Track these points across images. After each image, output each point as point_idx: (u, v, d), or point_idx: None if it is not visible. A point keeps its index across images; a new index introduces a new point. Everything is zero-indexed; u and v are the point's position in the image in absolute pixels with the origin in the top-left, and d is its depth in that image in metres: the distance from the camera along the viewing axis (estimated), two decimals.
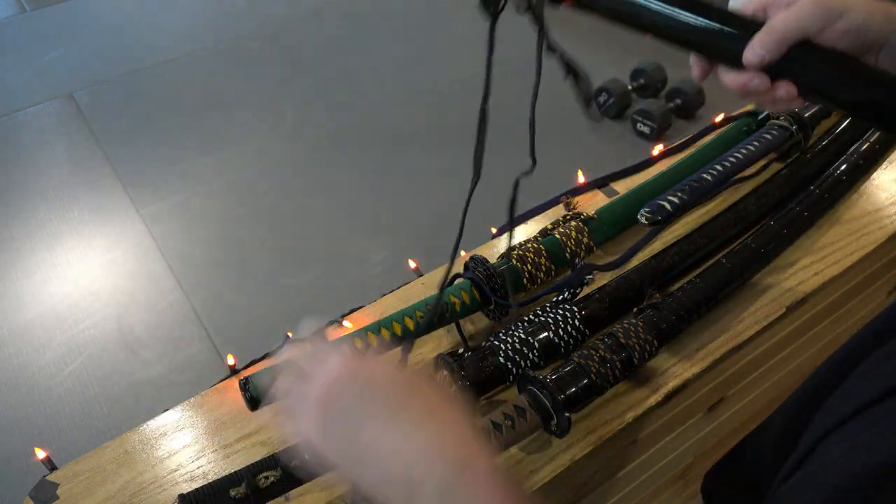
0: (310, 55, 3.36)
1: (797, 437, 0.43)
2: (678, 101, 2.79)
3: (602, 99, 2.86)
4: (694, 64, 0.55)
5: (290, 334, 0.85)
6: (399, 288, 0.91)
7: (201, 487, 0.63)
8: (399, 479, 0.43)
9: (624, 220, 0.93)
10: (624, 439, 0.75)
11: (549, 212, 0.99)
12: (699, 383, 0.79)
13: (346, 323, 0.85)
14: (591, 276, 0.81)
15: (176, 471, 0.72)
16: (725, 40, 0.52)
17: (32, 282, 2.30)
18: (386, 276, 2.21)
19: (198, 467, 0.72)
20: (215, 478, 0.65)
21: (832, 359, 0.55)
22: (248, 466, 0.64)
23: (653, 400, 0.74)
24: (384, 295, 0.90)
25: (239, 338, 2.07)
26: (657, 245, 0.92)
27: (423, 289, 0.89)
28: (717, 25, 0.52)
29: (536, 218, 0.99)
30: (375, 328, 0.74)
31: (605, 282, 0.83)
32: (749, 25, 0.51)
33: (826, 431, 0.40)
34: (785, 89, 0.50)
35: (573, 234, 0.88)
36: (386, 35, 3.49)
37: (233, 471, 0.65)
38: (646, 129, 2.73)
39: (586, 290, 0.81)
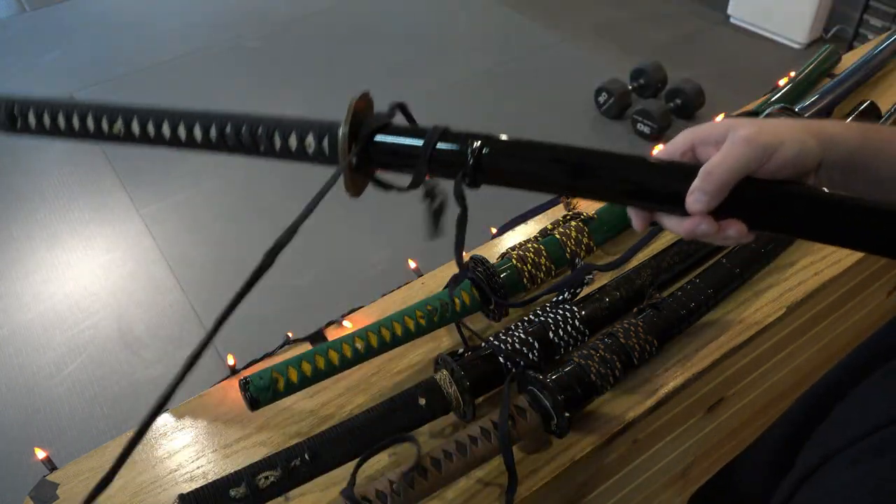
0: (310, 55, 3.36)
1: (791, 458, 0.43)
2: (678, 101, 2.79)
3: (602, 99, 2.86)
4: (633, 215, 0.53)
5: (290, 334, 0.85)
6: (399, 288, 0.91)
7: (201, 487, 0.63)
8: None
9: (624, 220, 0.93)
10: (624, 439, 0.75)
11: (549, 212, 0.99)
12: (699, 383, 0.79)
13: (346, 323, 0.85)
14: (591, 276, 0.81)
15: (176, 471, 0.72)
16: (664, 190, 0.50)
17: (32, 282, 2.30)
18: (386, 276, 2.21)
19: (198, 467, 0.72)
20: (215, 478, 0.65)
21: (823, 382, 0.55)
22: (248, 466, 0.64)
23: (653, 400, 0.74)
24: (384, 295, 0.90)
25: (239, 338, 2.07)
26: (657, 245, 0.92)
27: (423, 289, 0.89)
28: (654, 177, 0.51)
29: (536, 218, 0.99)
30: (375, 328, 0.74)
31: (605, 282, 0.83)
32: (683, 171, 0.49)
33: (825, 457, 0.39)
34: (734, 228, 0.48)
35: (573, 234, 0.88)
36: (386, 35, 3.49)
37: (233, 471, 0.65)
38: (646, 129, 2.73)
39: (586, 290, 0.81)
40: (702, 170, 0.47)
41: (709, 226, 0.48)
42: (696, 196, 0.47)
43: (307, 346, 0.83)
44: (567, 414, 0.67)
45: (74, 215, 2.55)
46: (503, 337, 0.74)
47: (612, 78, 2.85)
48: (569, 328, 0.75)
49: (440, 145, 0.51)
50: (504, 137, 0.52)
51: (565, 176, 0.51)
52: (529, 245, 0.85)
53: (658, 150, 0.52)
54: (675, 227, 0.51)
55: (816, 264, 0.88)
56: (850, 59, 1.22)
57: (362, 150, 0.52)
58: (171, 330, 2.12)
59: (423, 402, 0.68)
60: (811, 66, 1.19)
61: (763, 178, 0.48)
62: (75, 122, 0.55)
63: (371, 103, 0.53)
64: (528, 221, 0.98)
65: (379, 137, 0.52)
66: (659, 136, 2.70)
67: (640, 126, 2.74)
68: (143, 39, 3.52)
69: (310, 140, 0.53)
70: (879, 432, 0.37)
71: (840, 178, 0.50)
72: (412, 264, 0.98)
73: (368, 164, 0.53)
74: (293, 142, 0.53)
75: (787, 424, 0.57)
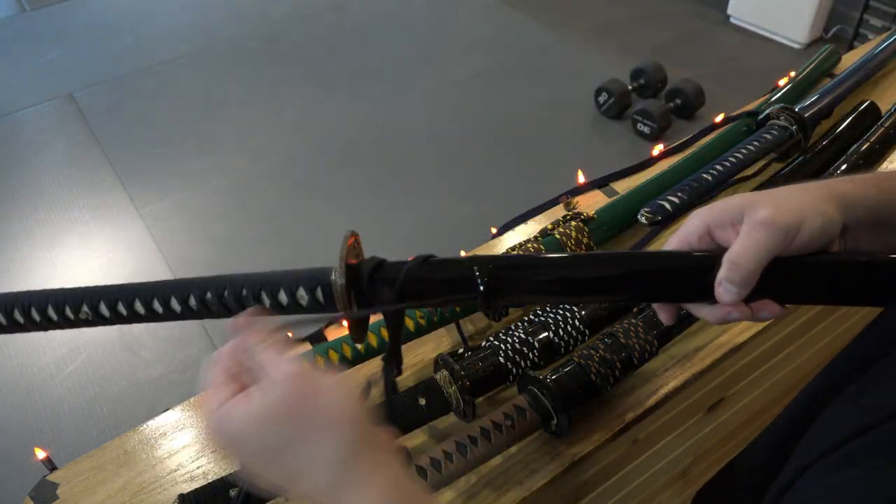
0: (310, 55, 3.36)
1: (781, 463, 0.43)
2: (678, 101, 2.80)
3: (602, 99, 2.86)
4: (659, 310, 0.52)
5: (290, 334, 0.85)
6: None
7: (201, 487, 0.63)
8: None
9: (624, 220, 0.93)
10: (624, 439, 0.75)
11: (549, 212, 0.99)
12: (699, 383, 0.79)
13: (346, 323, 0.85)
14: None
15: (176, 471, 0.72)
16: (690, 285, 0.49)
17: (32, 282, 2.30)
18: None
19: (198, 467, 0.72)
20: (215, 478, 0.65)
21: (810, 386, 0.55)
22: None
23: (653, 400, 0.74)
24: None
25: None
26: (657, 245, 0.92)
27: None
28: (677, 272, 0.49)
29: (536, 218, 0.99)
30: (375, 328, 0.74)
31: None
32: (706, 261, 0.48)
33: (804, 466, 0.39)
34: (767, 310, 0.48)
35: (573, 234, 0.88)
36: (386, 35, 3.49)
37: (233, 471, 0.65)
38: (646, 129, 2.74)
39: None
40: (726, 260, 0.46)
41: (741, 312, 0.47)
42: (726, 287, 0.46)
43: (307, 346, 0.83)
44: (567, 414, 0.67)
45: (74, 215, 2.55)
46: (503, 337, 0.74)
47: (612, 78, 2.85)
48: (569, 328, 0.75)
49: (450, 274, 0.50)
50: (511, 257, 0.51)
51: (588, 286, 0.51)
52: (529, 245, 0.85)
53: (671, 235, 0.52)
54: (707, 317, 0.49)
55: None
56: (850, 59, 1.22)
57: (362, 295, 0.51)
58: (171, 330, 2.12)
59: (423, 402, 0.68)
60: (811, 66, 1.19)
61: (790, 257, 0.47)
62: (35, 315, 0.51)
63: (358, 241, 0.52)
64: (528, 221, 0.98)
65: (378, 276, 0.51)
66: (659, 136, 2.70)
67: (640, 126, 2.74)
68: (143, 39, 3.52)
69: (301, 293, 0.50)
70: (845, 445, 0.37)
71: (866, 236, 0.49)
72: None
73: (373, 305, 0.52)
74: (283, 297, 0.50)
75: (779, 428, 0.57)
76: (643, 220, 0.88)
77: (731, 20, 3.49)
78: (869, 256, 0.47)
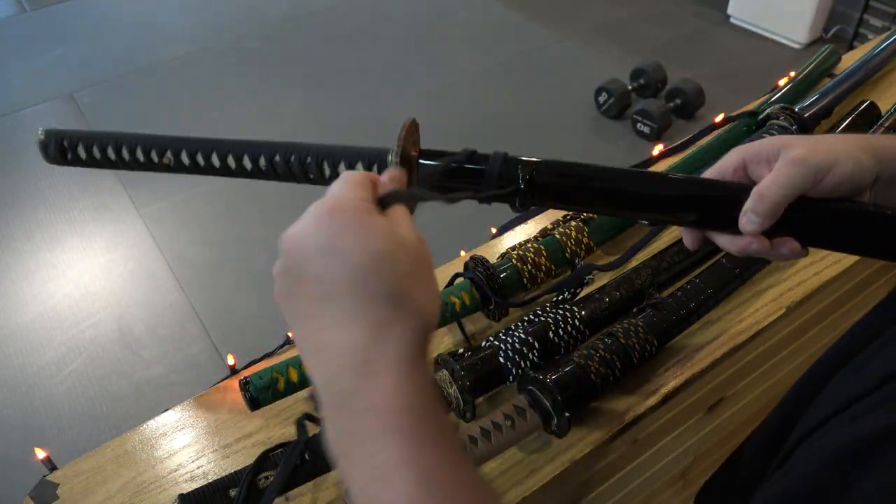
0: (310, 55, 3.36)
1: (779, 448, 0.44)
2: (678, 101, 2.80)
3: (602, 99, 2.86)
4: (685, 234, 0.54)
5: (290, 334, 0.85)
6: None
7: (201, 487, 0.63)
8: (315, 362, 0.39)
9: (624, 221, 0.93)
10: (624, 439, 0.75)
11: (550, 212, 0.99)
12: (699, 383, 0.79)
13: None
14: (591, 276, 0.81)
15: (176, 471, 0.72)
16: (717, 212, 0.51)
17: (32, 282, 2.30)
18: None
19: (198, 467, 0.72)
20: (215, 478, 0.65)
21: (811, 371, 0.55)
22: (248, 466, 0.64)
23: (653, 400, 0.74)
24: None
25: (239, 338, 2.07)
26: (657, 245, 0.92)
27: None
28: (706, 198, 0.51)
29: (536, 218, 0.99)
30: None
31: (605, 282, 0.83)
32: (736, 192, 0.49)
33: (802, 437, 0.40)
34: (787, 247, 0.49)
35: (573, 234, 0.88)
36: (386, 35, 3.49)
37: (233, 471, 0.65)
38: (646, 129, 2.74)
39: (586, 290, 0.81)
40: (754, 191, 0.48)
41: (761, 245, 0.49)
42: (749, 217, 0.48)
43: None
44: (567, 414, 0.67)
45: (74, 215, 2.55)
46: (503, 337, 0.74)
47: (612, 78, 2.85)
48: (569, 328, 0.75)
49: (491, 170, 0.52)
50: (556, 161, 0.52)
51: (617, 199, 0.52)
52: (529, 245, 0.85)
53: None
54: (727, 245, 0.51)
55: (816, 264, 0.88)
56: (850, 59, 1.22)
57: (411, 178, 0.52)
58: (171, 330, 2.12)
59: None
60: (811, 66, 1.19)
61: (817, 198, 0.48)
62: (125, 154, 0.57)
63: (417, 127, 0.54)
64: (528, 221, 0.98)
65: (428, 163, 0.53)
66: (659, 136, 2.70)
67: (640, 126, 2.74)
68: (143, 39, 3.52)
69: (359, 168, 0.54)
70: (847, 409, 0.38)
71: None
72: None
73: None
74: (343, 170, 0.54)
75: (780, 411, 0.57)
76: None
77: (731, 20, 3.49)
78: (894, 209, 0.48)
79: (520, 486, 0.68)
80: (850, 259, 0.88)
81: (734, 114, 1.09)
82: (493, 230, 1.00)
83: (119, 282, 2.28)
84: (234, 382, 0.77)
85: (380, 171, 0.51)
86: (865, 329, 0.50)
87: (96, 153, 0.57)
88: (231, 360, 0.85)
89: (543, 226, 0.91)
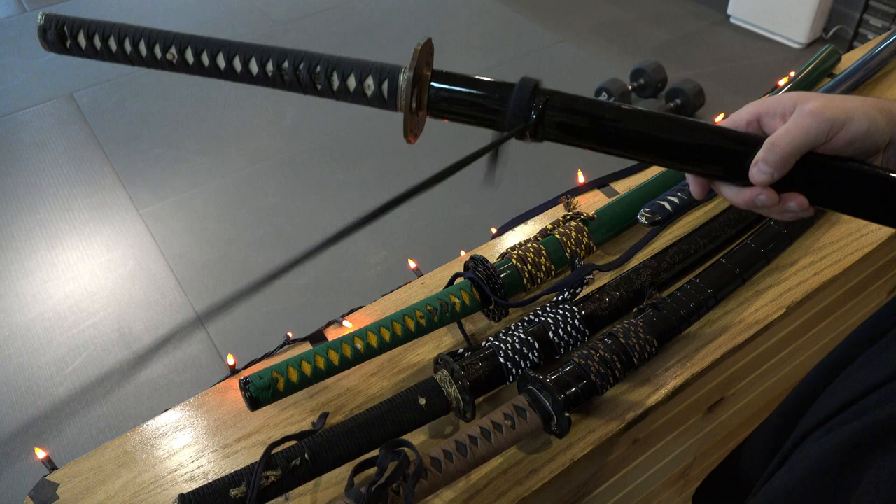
0: None
1: (782, 445, 0.44)
2: (678, 101, 2.80)
3: (602, 99, 2.86)
4: (691, 182, 0.53)
5: (290, 334, 0.85)
6: (399, 288, 0.91)
7: (201, 487, 0.63)
8: None
9: (624, 220, 0.93)
10: (624, 439, 0.75)
11: (549, 212, 0.99)
12: (699, 383, 0.79)
13: (346, 323, 0.85)
14: (591, 276, 0.81)
15: (176, 471, 0.72)
16: (727, 159, 0.50)
17: (32, 282, 2.30)
18: (386, 276, 2.21)
19: (198, 467, 0.72)
20: (215, 478, 0.65)
21: (815, 370, 0.55)
22: (247, 466, 0.64)
23: (653, 400, 0.74)
24: (384, 295, 0.90)
25: (239, 338, 2.07)
26: (657, 245, 0.92)
27: (423, 289, 0.89)
28: (717, 145, 0.50)
29: (536, 218, 0.99)
30: (375, 328, 0.74)
31: (605, 282, 0.83)
32: (748, 141, 0.49)
33: (806, 433, 0.40)
34: (795, 202, 0.48)
35: (573, 234, 0.88)
36: (386, 35, 3.49)
37: (233, 471, 0.65)
38: None
39: (586, 290, 0.81)
40: (767, 141, 0.47)
41: (769, 197, 0.48)
42: (760, 167, 0.47)
43: (307, 346, 0.83)
44: (567, 414, 0.67)
45: (74, 215, 2.55)
46: (503, 337, 0.74)
47: (612, 78, 2.85)
48: (569, 328, 0.75)
49: (505, 97, 0.51)
50: (571, 95, 0.51)
51: (628, 138, 0.51)
52: (529, 245, 0.85)
53: (721, 118, 0.52)
54: (734, 197, 0.50)
55: (816, 264, 0.88)
56: (850, 59, 1.22)
57: (422, 96, 0.52)
58: (172, 330, 2.12)
59: (423, 402, 0.68)
60: (811, 66, 1.19)
61: (828, 154, 0.47)
62: (127, 46, 0.54)
63: (432, 49, 0.54)
64: (528, 221, 0.98)
65: (440, 84, 0.53)
66: None
67: None
68: None
69: (369, 82, 0.52)
70: (851, 406, 0.38)
71: None
72: (412, 264, 0.98)
73: (429, 111, 0.54)
74: (352, 83, 0.52)
75: (784, 409, 0.57)
76: (643, 220, 0.88)
77: (731, 20, 3.49)
78: None
79: (520, 486, 0.68)
80: (850, 259, 0.88)
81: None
82: (493, 230, 1.00)
83: (119, 281, 2.28)
84: (234, 382, 0.77)
85: (390, 88, 0.51)
86: (867, 332, 0.50)
87: (97, 42, 0.54)
88: (231, 360, 0.85)
89: (543, 226, 0.91)
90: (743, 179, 0.49)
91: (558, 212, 0.98)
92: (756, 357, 0.90)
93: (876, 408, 0.36)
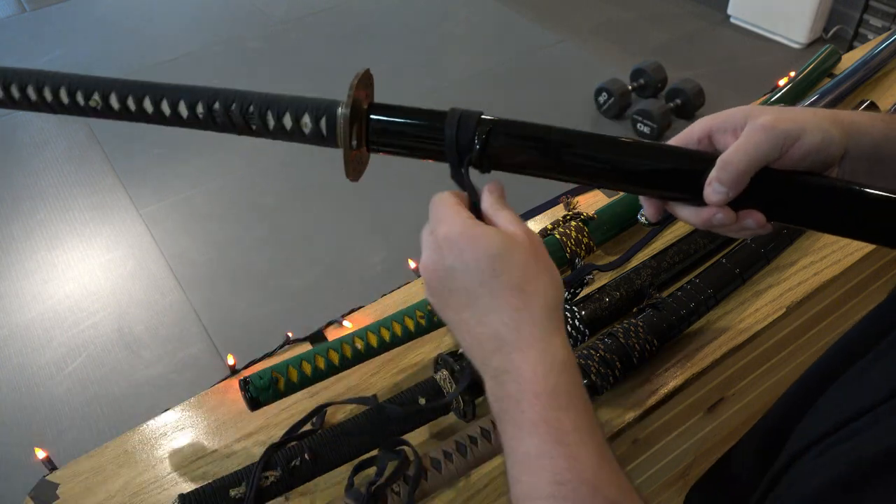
0: (310, 55, 3.36)
1: (774, 454, 0.43)
2: (678, 101, 2.80)
3: (602, 99, 2.86)
4: (645, 204, 0.51)
5: (290, 334, 0.85)
6: (399, 288, 0.91)
7: (201, 487, 0.63)
8: (473, 351, 0.45)
9: (624, 220, 0.93)
10: (624, 439, 0.75)
11: (549, 212, 0.99)
12: (699, 383, 0.79)
13: (346, 323, 0.85)
14: (591, 276, 0.81)
15: (176, 471, 0.72)
16: (680, 181, 0.48)
17: (32, 282, 2.30)
18: (386, 276, 2.21)
19: (198, 467, 0.72)
20: (215, 478, 0.65)
21: (808, 374, 0.55)
22: (247, 466, 0.64)
23: (653, 400, 0.74)
24: (384, 295, 0.90)
25: (239, 338, 2.07)
26: (657, 245, 0.92)
27: (423, 289, 0.89)
28: (669, 166, 0.48)
29: (536, 218, 0.99)
30: (375, 328, 0.74)
31: (605, 282, 0.83)
32: (701, 160, 0.47)
33: (801, 450, 0.40)
34: (753, 219, 0.47)
35: (573, 234, 0.88)
36: (386, 35, 3.49)
37: (233, 471, 0.65)
38: (646, 129, 2.73)
39: (586, 290, 0.81)
40: (720, 159, 0.46)
41: (726, 216, 0.47)
42: (715, 187, 0.46)
43: (307, 346, 0.83)
44: None
45: (74, 215, 2.55)
46: None
47: (612, 78, 2.85)
48: (569, 328, 0.75)
49: (449, 130, 0.50)
50: (514, 121, 0.50)
51: (580, 163, 0.49)
52: None
53: (674, 138, 0.51)
54: (690, 218, 0.49)
55: (816, 264, 0.88)
56: (850, 59, 1.22)
57: (361, 131, 0.50)
58: (171, 330, 2.12)
59: (423, 402, 0.68)
60: (811, 66, 1.19)
61: (783, 170, 0.46)
62: (47, 94, 0.52)
63: (371, 79, 0.51)
64: (528, 221, 0.98)
65: (380, 117, 0.50)
66: (659, 136, 2.70)
67: (640, 126, 2.74)
68: (142, 39, 3.52)
69: (306, 120, 0.50)
70: (850, 424, 0.37)
71: (865, 169, 0.48)
72: (412, 264, 0.98)
73: (369, 147, 0.52)
74: (288, 121, 0.50)
75: (775, 414, 0.57)
76: (643, 220, 0.88)
77: (731, 20, 3.49)
78: (863, 186, 0.46)
79: None
80: (850, 259, 0.88)
81: None
82: None
83: (119, 282, 2.28)
84: (234, 382, 0.77)
85: (328, 124, 0.50)
86: (863, 333, 0.50)
87: (14, 93, 0.52)
88: (231, 360, 0.85)
89: (543, 226, 0.91)
90: (698, 200, 0.47)
91: (558, 212, 0.98)
92: (756, 357, 0.90)
93: (867, 429, 0.36)
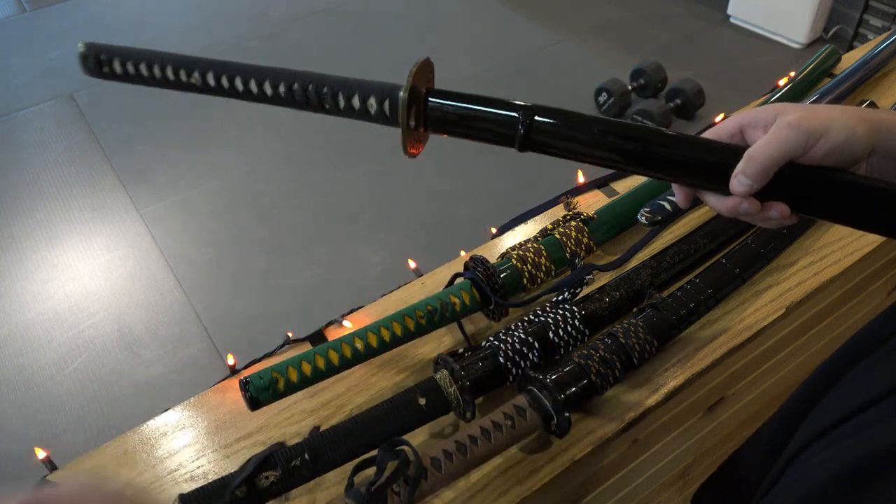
0: (310, 55, 3.36)
1: (781, 452, 0.43)
2: (678, 101, 2.80)
3: (602, 99, 2.86)
4: (677, 191, 0.55)
5: (290, 334, 0.85)
6: (399, 288, 0.91)
7: (201, 487, 0.63)
8: None
9: (624, 220, 0.93)
10: (624, 439, 0.75)
11: (549, 212, 0.99)
12: (699, 383, 0.79)
13: (346, 323, 0.85)
14: (591, 276, 0.81)
15: (176, 471, 0.72)
16: (708, 171, 0.51)
17: (32, 282, 2.30)
18: (386, 276, 2.21)
19: (198, 467, 0.72)
20: (215, 478, 0.65)
21: (815, 374, 0.55)
22: (243, 465, 0.64)
23: (653, 400, 0.74)
24: (384, 295, 0.90)
25: (239, 338, 2.07)
26: (657, 245, 0.92)
27: (423, 289, 0.89)
28: (700, 157, 0.52)
29: (536, 218, 0.99)
30: (375, 328, 0.74)
31: (605, 282, 0.83)
32: (729, 152, 0.50)
33: (803, 445, 0.40)
34: (777, 210, 0.49)
35: (573, 234, 0.88)
36: (386, 35, 3.49)
37: (233, 471, 0.65)
38: None
39: (586, 290, 0.81)
40: (746, 153, 0.48)
41: (751, 206, 0.49)
42: (740, 178, 0.48)
43: (307, 346, 0.83)
44: (567, 414, 0.67)
45: (74, 215, 2.55)
46: (503, 337, 0.74)
47: (612, 78, 2.85)
48: (569, 328, 0.75)
49: (495, 113, 0.54)
50: (556, 109, 0.54)
51: (616, 150, 0.53)
52: (529, 245, 0.85)
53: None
54: (717, 205, 0.51)
55: (816, 264, 0.88)
56: (850, 59, 1.22)
57: (420, 113, 0.55)
58: (171, 330, 2.12)
59: (423, 402, 0.68)
60: (811, 66, 1.19)
61: (808, 165, 0.48)
62: (156, 70, 0.61)
63: (431, 67, 0.57)
64: (528, 221, 0.98)
65: (435, 101, 0.55)
66: None
67: None
68: (143, 40, 3.52)
69: (371, 102, 0.56)
70: (852, 419, 0.38)
71: (893, 167, 0.50)
72: (412, 264, 0.98)
73: (426, 127, 0.57)
74: (356, 102, 0.57)
75: (783, 413, 0.57)
76: (643, 220, 0.88)
77: (731, 20, 3.49)
78: (883, 182, 0.48)
79: (520, 486, 0.68)
80: (850, 259, 0.88)
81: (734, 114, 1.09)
82: (493, 230, 1.00)
83: (119, 282, 2.28)
84: (234, 382, 0.77)
85: (391, 107, 0.55)
86: (871, 335, 0.50)
87: (130, 68, 0.61)
88: (231, 360, 0.85)
89: (543, 226, 0.91)
90: (725, 190, 0.50)
91: (558, 212, 0.98)
92: (756, 357, 0.90)
93: (875, 424, 0.36)
